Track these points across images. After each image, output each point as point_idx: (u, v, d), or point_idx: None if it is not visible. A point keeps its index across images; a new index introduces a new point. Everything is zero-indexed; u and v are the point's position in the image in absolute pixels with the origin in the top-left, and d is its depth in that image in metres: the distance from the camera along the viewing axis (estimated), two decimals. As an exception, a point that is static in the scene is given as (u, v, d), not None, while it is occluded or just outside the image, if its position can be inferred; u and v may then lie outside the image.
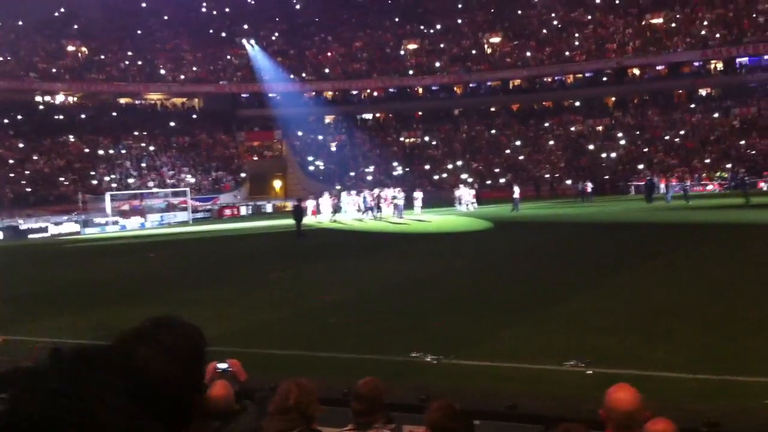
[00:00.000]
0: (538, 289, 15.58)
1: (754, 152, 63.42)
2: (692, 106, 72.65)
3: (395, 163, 73.79)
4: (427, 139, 78.68)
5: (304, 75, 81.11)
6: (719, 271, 17.00)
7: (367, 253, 26.04)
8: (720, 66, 73.09)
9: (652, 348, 9.95)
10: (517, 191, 44.90)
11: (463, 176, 68.82)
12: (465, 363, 9.76)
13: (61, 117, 71.52)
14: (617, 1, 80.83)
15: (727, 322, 11.39)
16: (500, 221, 36.67)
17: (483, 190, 64.10)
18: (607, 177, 64.50)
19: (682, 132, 69.27)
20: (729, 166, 61.89)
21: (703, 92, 74.72)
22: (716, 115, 70.36)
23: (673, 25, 75.87)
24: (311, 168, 75.59)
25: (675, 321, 11.59)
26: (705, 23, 74.17)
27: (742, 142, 65.18)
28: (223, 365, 4.40)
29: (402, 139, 79.49)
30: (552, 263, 20.09)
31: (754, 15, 72.31)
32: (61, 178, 62.39)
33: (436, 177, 69.64)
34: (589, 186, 53.94)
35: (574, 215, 38.69)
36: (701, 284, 15.23)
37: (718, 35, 71.82)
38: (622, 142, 70.73)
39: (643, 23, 77.81)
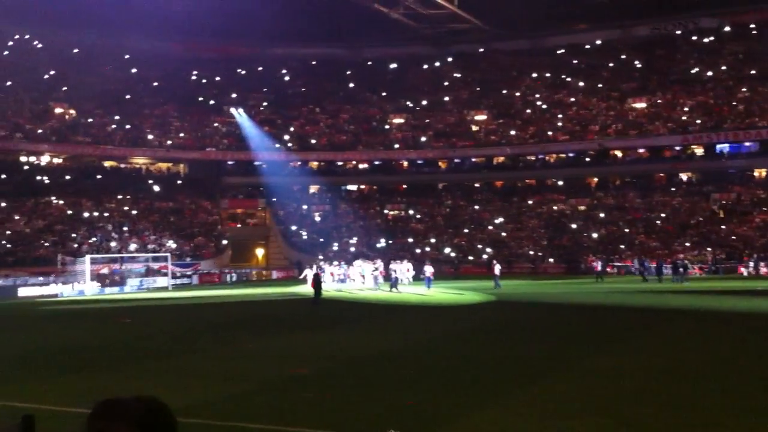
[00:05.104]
0: (512, 369, 15.49)
1: (734, 238, 64.08)
2: (672, 189, 73.61)
3: (378, 235, 73.82)
4: (410, 212, 79.01)
5: (290, 145, 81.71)
6: (690, 356, 16.98)
7: (349, 323, 25.88)
8: (700, 151, 74.31)
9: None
10: (497, 268, 45.02)
11: (447, 250, 69.11)
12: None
13: (45, 178, 71.46)
14: (600, 85, 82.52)
15: (696, 408, 11.32)
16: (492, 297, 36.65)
17: (464, 266, 64.40)
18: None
19: (662, 215, 69.93)
20: (709, 249, 62.55)
21: (683, 176, 75.78)
22: (696, 199, 71.24)
23: (655, 109, 77.34)
24: (294, 237, 75.54)
25: (645, 406, 11.51)
26: (686, 109, 75.69)
27: (723, 227, 65.86)
28: None
29: (385, 211, 79.79)
30: (527, 342, 20.00)
31: (734, 103, 73.96)
32: (42, 240, 61.99)
33: (418, 250, 69.58)
34: (599, 264, 53.83)
35: (559, 294, 38.71)
36: (672, 368, 15.18)
37: (698, 121, 73.22)
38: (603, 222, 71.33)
39: (625, 106, 79.31)
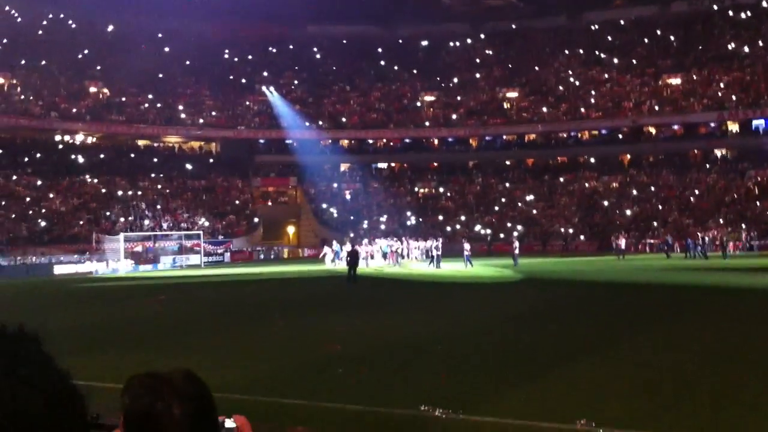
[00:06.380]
0: (546, 349, 15.42)
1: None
2: (707, 166, 72.66)
3: (408, 213, 73.82)
4: (441, 190, 78.84)
5: (321, 123, 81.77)
6: (730, 337, 16.79)
7: (384, 302, 25.93)
8: (736, 128, 73.21)
9: (660, 414, 9.79)
10: (516, 246, 45.57)
11: (476, 229, 68.94)
12: (472, 419, 9.63)
13: (80, 157, 72.25)
14: (634, 61, 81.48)
15: (735, 391, 11.19)
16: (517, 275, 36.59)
17: (496, 243, 64.30)
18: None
19: (697, 192, 69.12)
20: (744, 227, 61.73)
21: (718, 153, 74.76)
22: (731, 176, 70.28)
23: (690, 86, 76.23)
24: (325, 216, 75.79)
25: (682, 388, 11.40)
26: (722, 85, 74.51)
27: (758, 204, 64.95)
28: (229, 423, 4.22)
29: (416, 189, 79.69)
30: (562, 322, 19.90)
31: (771, 79, 72.66)
32: (77, 218, 62.77)
33: (448, 228, 69.53)
34: (622, 242, 53.55)
35: (589, 272, 38.49)
36: (709, 350, 15.02)
37: (734, 97, 72.06)
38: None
39: (660, 83, 78.26)
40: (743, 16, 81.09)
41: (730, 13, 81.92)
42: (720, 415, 9.76)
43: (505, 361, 14.11)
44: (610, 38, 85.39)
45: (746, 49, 77.24)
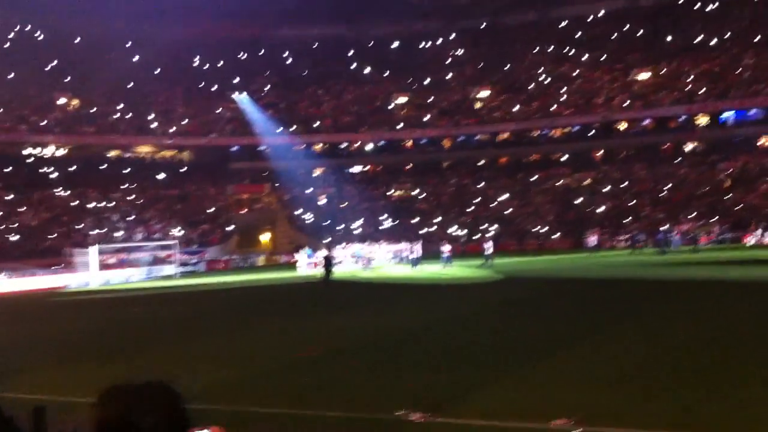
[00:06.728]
0: (523, 344, 15.46)
1: (740, 206, 63.67)
2: (679, 159, 73.18)
3: (384, 216, 73.56)
4: (416, 192, 78.72)
5: (294, 128, 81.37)
6: (700, 327, 16.93)
7: (359, 305, 25.89)
8: (706, 120, 73.79)
9: (639, 404, 9.82)
10: (490, 245, 46.00)
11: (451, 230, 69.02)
12: (452, 422, 9.58)
13: (50, 169, 71.51)
14: (603, 57, 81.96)
15: (710, 378, 11.27)
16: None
17: (471, 244, 64.39)
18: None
19: (669, 186, 69.57)
20: (715, 219, 62.20)
21: (689, 146, 75.31)
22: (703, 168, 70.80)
23: (660, 79, 76.77)
24: (300, 221, 75.46)
25: (658, 378, 11.45)
26: (691, 77, 75.07)
27: (730, 196, 65.45)
28: None
29: (390, 192, 79.52)
30: (538, 317, 19.99)
31: (740, 69, 73.30)
32: (49, 232, 62.11)
33: (423, 230, 69.44)
34: (595, 239, 54.30)
35: (564, 270, 38.71)
36: (682, 340, 15.13)
37: (704, 89, 72.65)
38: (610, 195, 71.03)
39: (629, 78, 78.76)
40: (710, 7, 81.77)
41: (698, 4, 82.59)
42: (694, 403, 9.80)
43: (483, 358, 14.10)
44: (579, 34, 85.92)
45: (714, 40, 77.89)
